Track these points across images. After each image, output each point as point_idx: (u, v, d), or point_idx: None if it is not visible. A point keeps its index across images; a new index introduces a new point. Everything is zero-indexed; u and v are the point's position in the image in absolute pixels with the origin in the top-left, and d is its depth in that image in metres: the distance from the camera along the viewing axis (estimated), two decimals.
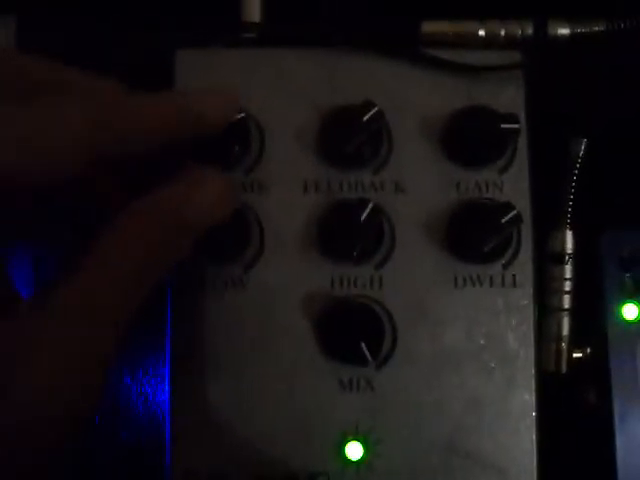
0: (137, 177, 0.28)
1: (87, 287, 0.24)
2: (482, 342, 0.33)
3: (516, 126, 0.32)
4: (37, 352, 0.23)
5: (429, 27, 0.35)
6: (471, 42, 0.35)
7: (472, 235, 0.32)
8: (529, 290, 0.33)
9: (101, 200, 0.30)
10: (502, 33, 0.35)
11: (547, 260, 0.36)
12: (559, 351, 0.35)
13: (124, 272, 0.25)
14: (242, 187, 0.33)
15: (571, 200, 0.35)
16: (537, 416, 0.32)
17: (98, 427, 0.36)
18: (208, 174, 0.28)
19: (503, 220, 0.31)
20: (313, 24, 0.35)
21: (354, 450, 0.32)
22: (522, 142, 0.33)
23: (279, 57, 0.34)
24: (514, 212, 0.31)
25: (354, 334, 0.31)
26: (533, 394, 0.32)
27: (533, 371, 0.33)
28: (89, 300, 0.24)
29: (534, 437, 0.32)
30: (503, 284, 0.33)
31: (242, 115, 0.31)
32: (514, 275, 0.33)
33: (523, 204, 0.33)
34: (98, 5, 0.37)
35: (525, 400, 0.32)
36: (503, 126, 0.32)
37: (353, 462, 0.32)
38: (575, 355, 0.35)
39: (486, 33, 0.35)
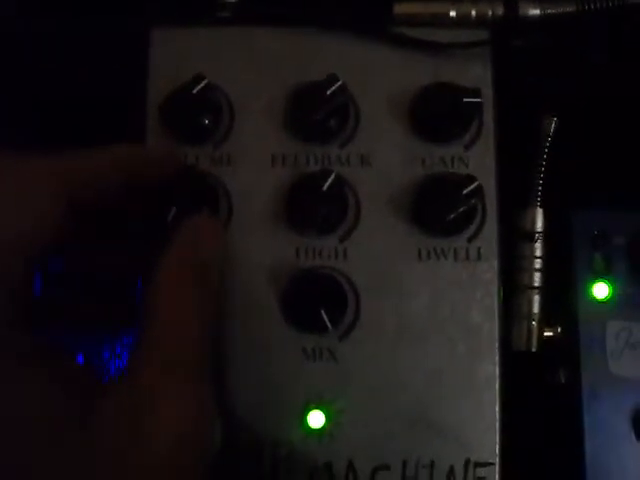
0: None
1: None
2: (446, 315, 0.33)
3: (478, 100, 0.32)
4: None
5: (401, 8, 0.36)
6: (443, 22, 0.36)
7: (434, 206, 0.32)
8: (494, 264, 0.33)
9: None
10: (473, 13, 0.36)
11: (517, 238, 0.36)
12: (530, 329, 0.35)
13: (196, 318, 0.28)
14: (211, 160, 0.34)
15: (541, 178, 0.36)
16: (500, 389, 0.32)
17: None
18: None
19: (465, 191, 0.31)
20: (286, 3, 0.35)
21: (316, 419, 0.32)
22: (488, 118, 0.34)
23: (251, 35, 0.35)
24: (476, 184, 0.31)
25: (315, 301, 0.31)
26: (497, 367, 0.32)
27: (497, 344, 0.33)
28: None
29: (497, 410, 0.32)
30: (467, 257, 0.33)
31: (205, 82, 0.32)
32: (479, 248, 0.33)
33: (488, 179, 0.33)
34: None
35: (488, 373, 0.32)
36: (466, 100, 0.32)
37: (315, 431, 0.32)
38: (546, 334, 0.35)
39: (457, 13, 0.36)
